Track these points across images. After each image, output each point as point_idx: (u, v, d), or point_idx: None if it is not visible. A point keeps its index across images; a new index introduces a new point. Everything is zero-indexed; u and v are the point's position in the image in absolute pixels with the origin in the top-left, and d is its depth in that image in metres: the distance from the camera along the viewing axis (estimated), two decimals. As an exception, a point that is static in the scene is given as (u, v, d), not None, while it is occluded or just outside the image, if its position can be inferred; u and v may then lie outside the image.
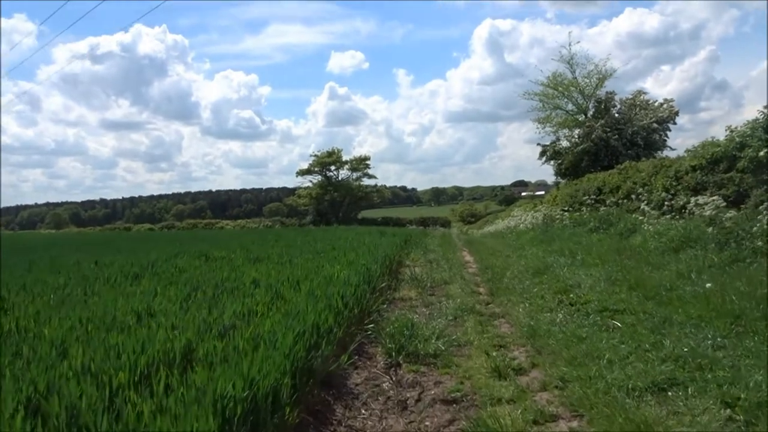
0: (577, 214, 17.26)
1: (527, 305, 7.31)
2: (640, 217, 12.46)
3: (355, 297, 5.94)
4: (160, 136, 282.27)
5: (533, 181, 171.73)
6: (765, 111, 11.36)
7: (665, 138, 24.73)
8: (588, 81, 26.80)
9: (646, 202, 12.74)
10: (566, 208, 19.00)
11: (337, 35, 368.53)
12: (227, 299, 5.52)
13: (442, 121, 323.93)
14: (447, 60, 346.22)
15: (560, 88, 27.22)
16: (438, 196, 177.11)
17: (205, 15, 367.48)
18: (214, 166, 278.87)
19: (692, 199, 11.03)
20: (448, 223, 68.35)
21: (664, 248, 9.59)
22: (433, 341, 5.60)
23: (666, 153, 24.17)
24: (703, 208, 10.11)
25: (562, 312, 6.73)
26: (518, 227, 23.59)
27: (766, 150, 10.52)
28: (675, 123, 24.73)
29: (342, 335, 4.89)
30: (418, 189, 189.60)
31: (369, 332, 5.76)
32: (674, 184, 13.24)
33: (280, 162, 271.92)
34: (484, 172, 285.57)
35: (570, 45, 27.30)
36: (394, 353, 5.25)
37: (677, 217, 11.40)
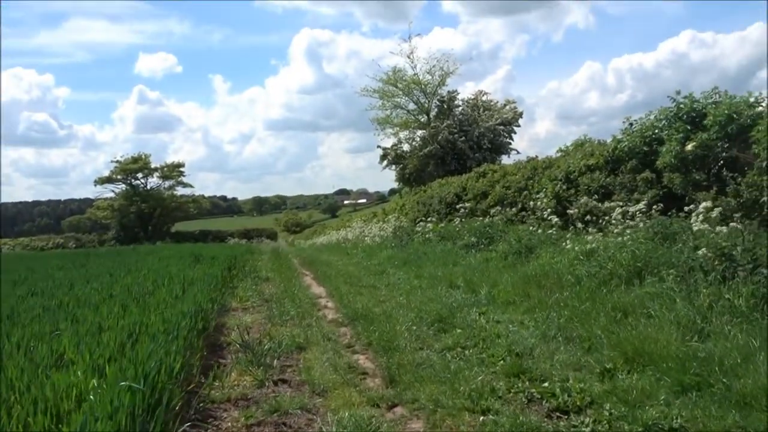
0: (441, 225, 14.45)
1: (479, 419, 3.78)
2: (539, 230, 9.78)
3: None
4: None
5: (355, 189, 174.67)
6: (675, 97, 9.38)
7: (509, 141, 23.52)
8: (430, 78, 24.74)
9: (547, 210, 10.10)
10: (422, 219, 16.17)
11: (147, 35, 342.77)
12: None
13: (263, 129, 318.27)
14: (265, 67, 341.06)
15: (400, 85, 24.73)
16: (260, 205, 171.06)
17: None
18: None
19: (615, 207, 8.53)
20: (275, 234, 63.85)
21: (605, 276, 6.78)
22: None
23: (513, 157, 22.92)
24: (641, 218, 7.58)
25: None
26: (363, 241, 20.40)
27: (693, 143, 8.40)
28: (519, 125, 23.64)
29: None
30: (240, 198, 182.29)
31: None
32: (564, 188, 10.90)
33: (82, 171, 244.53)
34: (306, 180, 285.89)
35: (410, 37, 24.98)
36: None
37: (590, 230, 8.84)
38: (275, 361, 5.57)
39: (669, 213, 7.93)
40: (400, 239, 16.09)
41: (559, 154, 14.24)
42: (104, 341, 4.30)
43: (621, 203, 8.66)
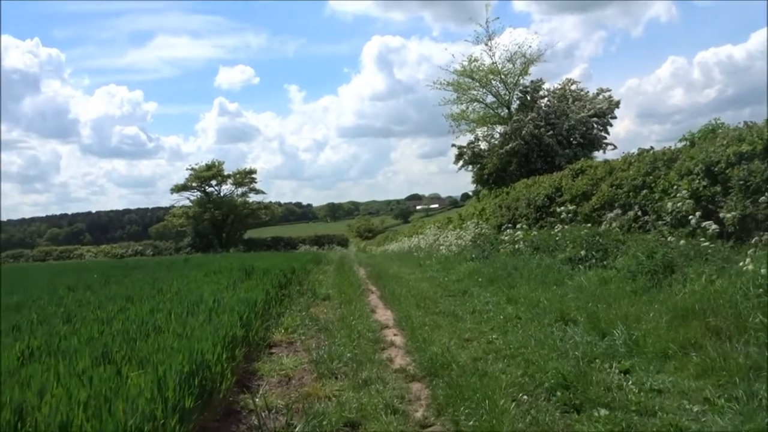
0: (533, 233, 12.02)
1: None
2: (680, 241, 7.25)
3: None
4: (35, 155, 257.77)
5: (427, 194, 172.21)
6: None
7: (605, 134, 20.54)
8: (511, 67, 22.16)
9: (695, 214, 7.57)
10: (508, 225, 13.78)
11: (227, 49, 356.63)
12: None
13: (336, 137, 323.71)
14: (339, 75, 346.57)
15: (477, 76, 22.31)
16: (334, 211, 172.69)
17: (83, 27, 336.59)
18: (96, 186, 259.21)
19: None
20: (346, 241, 62.84)
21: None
22: None
23: (609, 152, 20.06)
24: None
25: None
26: (437, 250, 18.22)
27: None
28: (615, 117, 20.64)
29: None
30: (314, 205, 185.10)
31: None
32: (704, 185, 8.30)
33: (169, 180, 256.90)
34: (378, 186, 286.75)
35: (488, 22, 22.49)
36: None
37: (746, 239, 6.28)
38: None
39: None
40: (481, 249, 13.81)
41: (681, 144, 11.49)
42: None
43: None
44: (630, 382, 4.21)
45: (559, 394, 4.07)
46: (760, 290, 5.06)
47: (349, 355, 5.79)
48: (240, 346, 5.21)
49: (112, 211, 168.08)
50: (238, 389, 4.90)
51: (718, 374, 4.10)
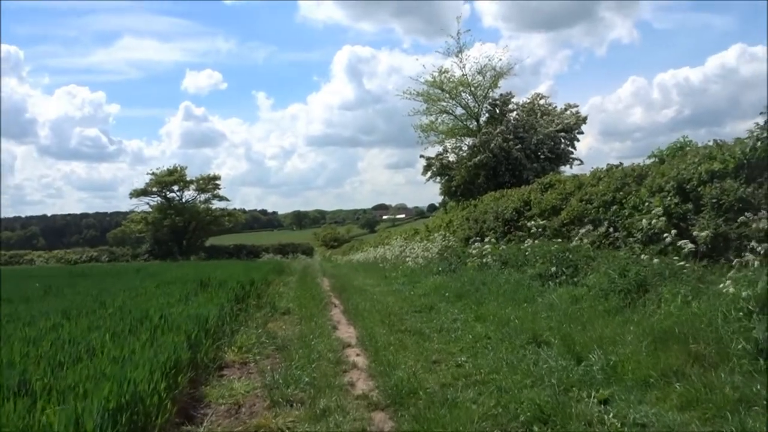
0: (502, 247, 11.76)
1: None
2: (653, 260, 7.03)
3: None
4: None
5: (393, 204, 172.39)
6: None
7: (571, 149, 20.59)
8: (481, 79, 22.08)
9: (670, 232, 7.36)
10: (476, 238, 13.51)
11: (195, 53, 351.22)
12: None
13: (304, 145, 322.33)
14: (308, 84, 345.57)
15: (447, 87, 22.15)
16: (300, 219, 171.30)
17: (47, 24, 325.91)
18: (53, 188, 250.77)
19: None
20: (311, 250, 62.04)
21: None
22: None
23: (576, 167, 20.09)
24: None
25: None
26: (403, 262, 17.84)
27: None
28: (582, 132, 20.72)
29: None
30: (280, 212, 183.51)
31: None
32: (675, 202, 8.15)
33: (130, 185, 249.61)
34: (345, 195, 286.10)
35: (459, 34, 22.36)
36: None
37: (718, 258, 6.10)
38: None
39: None
40: (449, 263, 13.49)
41: (650, 161, 11.41)
42: None
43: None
44: (611, 415, 3.87)
45: (536, 429, 3.72)
46: (741, 314, 4.82)
47: (307, 379, 5.33)
48: (185, 371, 4.70)
49: (69, 215, 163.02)
50: (180, 420, 4.39)
51: (704, 406, 3.80)
